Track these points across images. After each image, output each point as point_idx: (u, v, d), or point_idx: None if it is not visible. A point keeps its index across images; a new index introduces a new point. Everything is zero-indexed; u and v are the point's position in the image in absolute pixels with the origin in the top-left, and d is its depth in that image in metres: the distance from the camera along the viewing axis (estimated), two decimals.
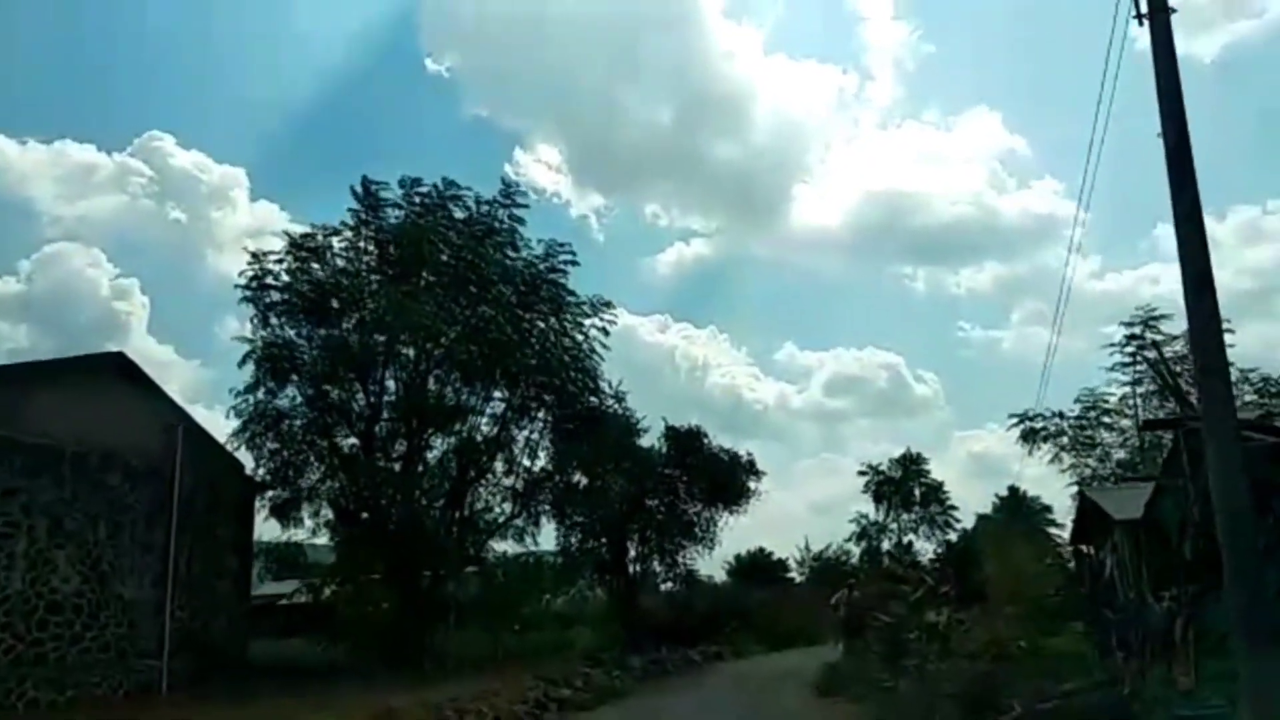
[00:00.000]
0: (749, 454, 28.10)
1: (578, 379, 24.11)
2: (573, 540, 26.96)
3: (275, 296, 20.77)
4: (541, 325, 23.33)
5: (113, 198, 60.74)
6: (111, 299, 56.33)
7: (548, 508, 24.89)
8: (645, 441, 26.96)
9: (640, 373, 60.14)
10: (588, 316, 23.31)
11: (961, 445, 73.39)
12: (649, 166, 68.67)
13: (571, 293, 22.57)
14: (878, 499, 35.83)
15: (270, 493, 20.36)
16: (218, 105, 65.52)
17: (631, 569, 28.34)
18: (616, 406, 25.19)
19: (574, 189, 72.54)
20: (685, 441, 27.34)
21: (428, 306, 20.90)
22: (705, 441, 27.37)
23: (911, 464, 35.63)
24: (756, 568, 43.85)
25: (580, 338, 23.06)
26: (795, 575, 44.18)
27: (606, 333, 23.71)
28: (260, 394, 20.14)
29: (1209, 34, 64.33)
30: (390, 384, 21.90)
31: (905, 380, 68.47)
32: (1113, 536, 16.04)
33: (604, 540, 27.52)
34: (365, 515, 21.30)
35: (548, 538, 25.65)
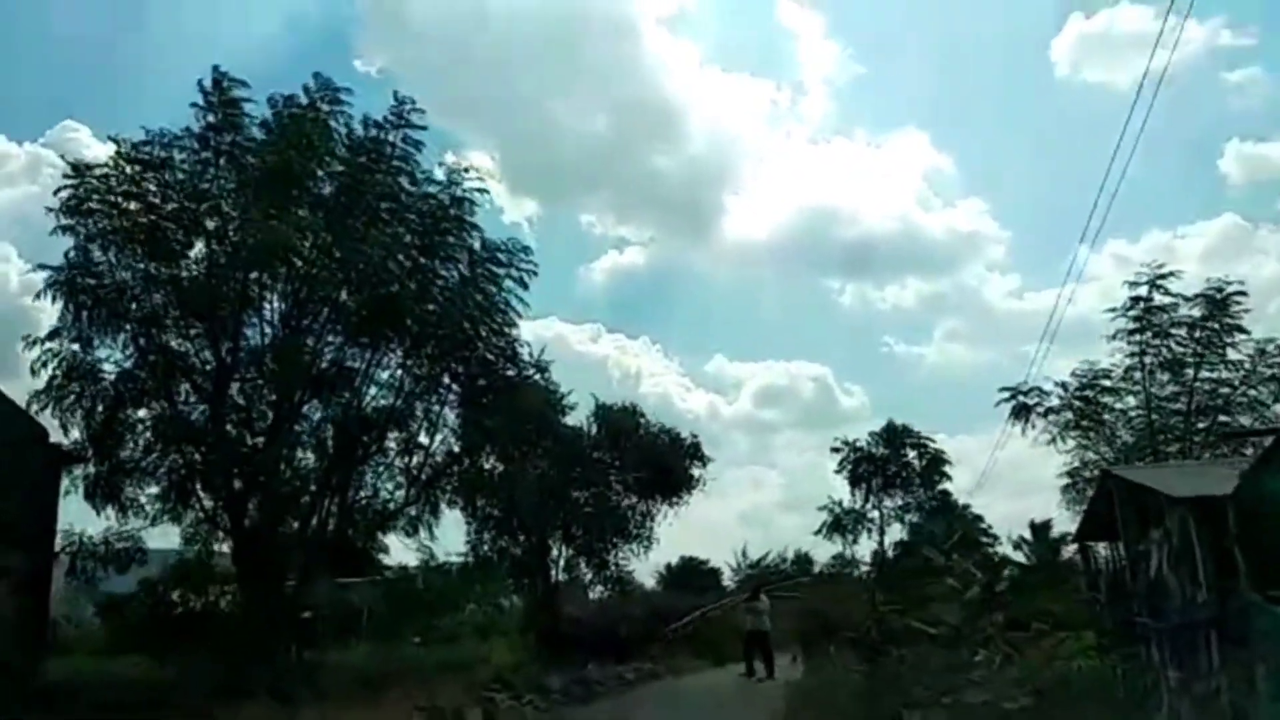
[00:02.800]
0: (693, 436, 24.49)
1: (491, 341, 20.07)
2: (484, 537, 22.92)
3: (100, 223, 16.31)
4: (445, 275, 19.23)
5: (22, 189, 55.93)
6: (19, 294, 50.94)
7: (453, 496, 20.81)
8: (572, 421, 23.00)
9: (572, 381, 57.76)
10: (501, 265, 19.29)
11: None
12: (584, 175, 71.68)
13: (478, 228, 18.54)
14: (855, 481, 29.67)
15: (82, 468, 15.85)
16: (138, 101, 60.83)
17: (554, 572, 24.39)
18: (538, 377, 21.21)
19: (508, 196, 72.39)
20: (618, 421, 23.54)
21: (304, 243, 16.84)
22: (642, 421, 23.60)
23: (899, 438, 29.46)
24: (690, 576, 42.29)
25: (493, 289, 19.00)
26: (730, 585, 42.74)
27: (525, 285, 19.73)
28: (70, 341, 15.68)
29: (1126, 61, 66.10)
30: (250, 337, 17.52)
31: (833, 393, 69.86)
32: (1164, 523, 12.60)
33: (522, 537, 23.52)
34: (212, 501, 16.95)
35: (450, 532, 21.59)
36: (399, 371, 19.85)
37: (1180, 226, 72.70)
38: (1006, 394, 20.37)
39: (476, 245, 19.50)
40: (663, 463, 24.03)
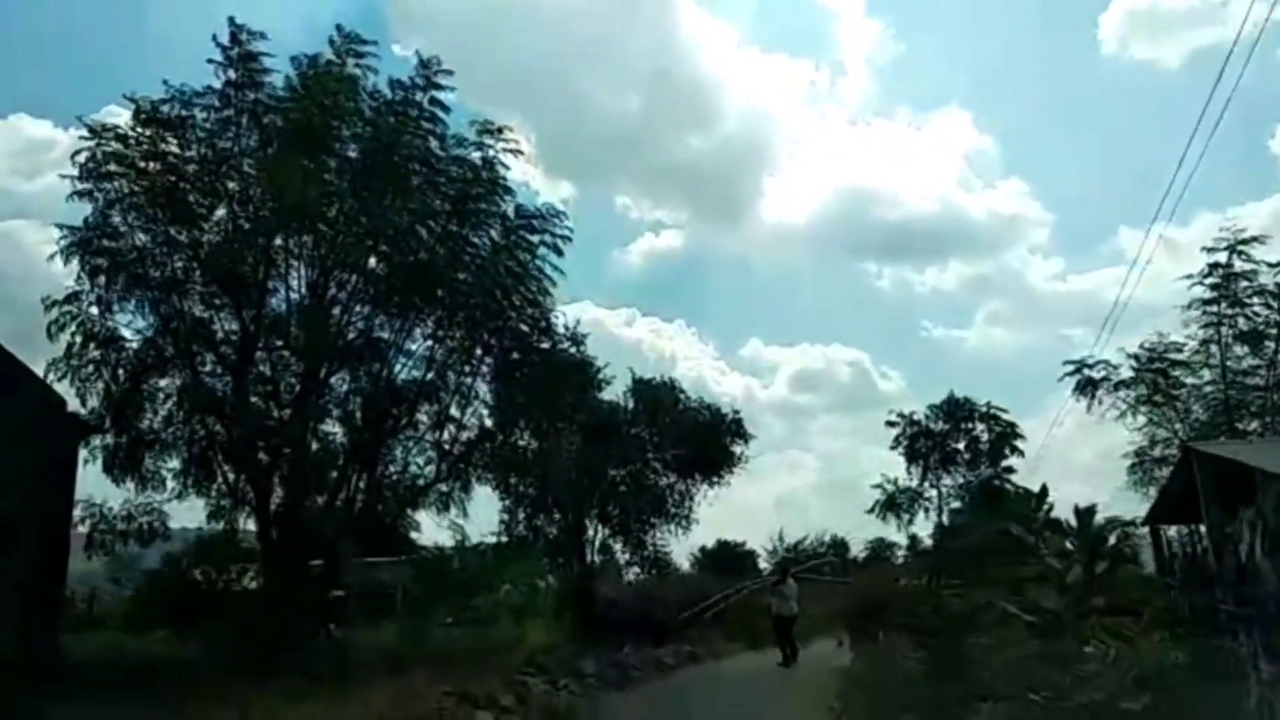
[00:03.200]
0: (735, 411, 23.52)
1: (524, 311, 19.23)
2: (518, 516, 22.18)
3: (120, 186, 15.67)
4: (477, 241, 18.42)
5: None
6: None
7: (485, 473, 20.05)
8: (608, 396, 22.14)
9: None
10: (534, 232, 18.42)
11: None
12: (620, 157, 69.68)
13: (511, 191, 17.70)
14: (911, 457, 26.88)
15: (101, 439, 15.29)
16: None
17: (589, 552, 23.61)
18: (573, 351, 20.36)
19: (544, 179, 71.28)
20: (657, 396, 22.63)
21: (330, 206, 16.17)
22: (682, 397, 22.66)
23: (960, 411, 26.44)
24: (726, 560, 41.10)
25: (526, 256, 18.15)
26: (766, 568, 40.50)
27: (559, 251, 18.83)
28: (89, 305, 15.09)
29: (1179, 35, 63.98)
30: (275, 306, 16.87)
31: (870, 376, 68.83)
32: (1257, 502, 11.44)
33: (557, 516, 22.76)
34: (235, 475, 16.33)
35: (483, 510, 20.89)
36: (430, 343, 19.14)
37: (1230, 208, 69.78)
38: (1071, 367, 19.12)
39: (509, 211, 18.69)
40: (703, 440, 23.07)
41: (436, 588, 22.13)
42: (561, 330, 20.22)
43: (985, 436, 26.48)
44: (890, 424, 26.96)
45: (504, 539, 22.99)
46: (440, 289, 17.86)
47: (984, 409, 25.15)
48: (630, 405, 23.34)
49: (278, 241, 17.09)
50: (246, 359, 16.52)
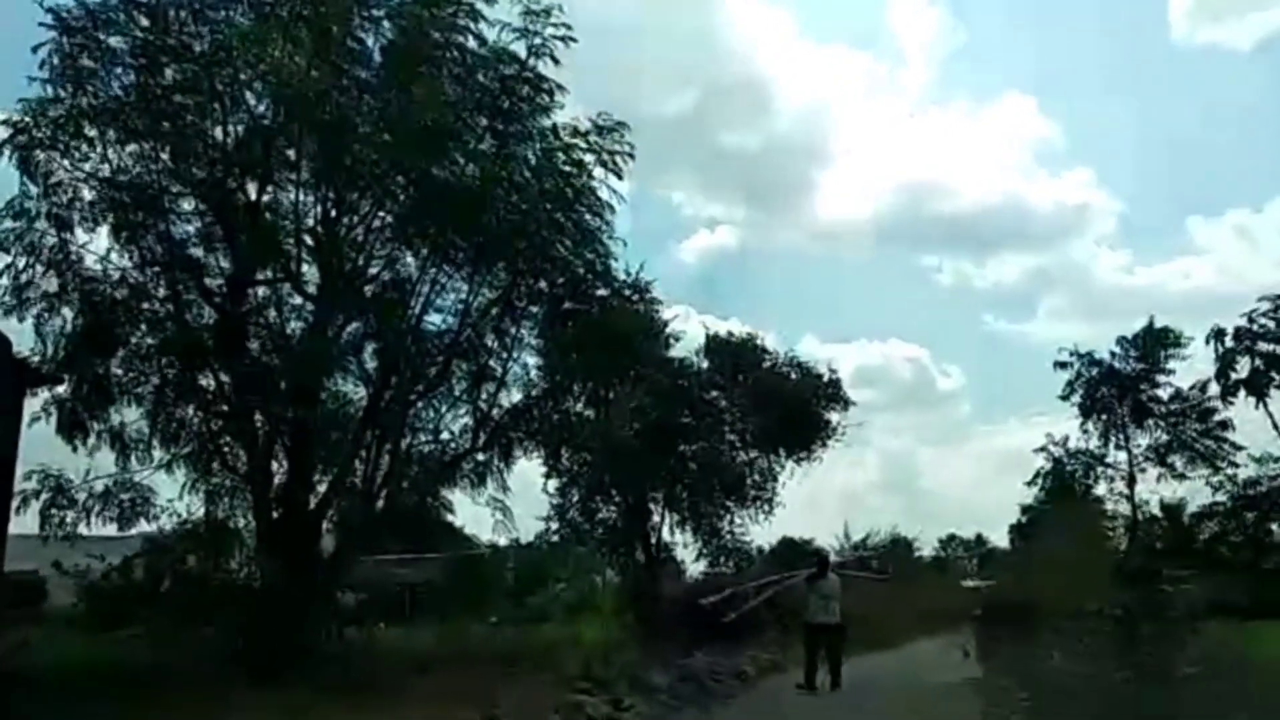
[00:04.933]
0: (832, 372, 19.93)
1: (580, 250, 16.00)
2: (570, 498, 18.96)
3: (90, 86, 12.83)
4: (522, 156, 15.19)
5: None
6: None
7: (531, 446, 16.87)
8: (677, 354, 18.81)
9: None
10: (590, 150, 15.18)
11: (985, 441, 77.70)
12: (676, 152, 68.56)
13: (563, 89, 14.50)
14: (1089, 411, 19.85)
15: (52, 389, 12.43)
16: None
17: (654, 541, 20.25)
18: (637, 300, 17.08)
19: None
20: (736, 354, 19.16)
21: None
22: (768, 354, 19.19)
23: (1161, 345, 18.71)
24: (793, 557, 37.82)
25: (580, 179, 14.89)
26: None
27: (619, 174, 15.54)
28: (39, 223, 12.23)
29: (1251, 17, 61.23)
30: (279, 236, 13.87)
31: (929, 374, 68.25)
32: None
33: (617, 498, 19.48)
34: (225, 441, 13.39)
35: (528, 490, 17.77)
36: (465, 286, 16.03)
37: None
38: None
39: (558, 123, 15.44)
40: (791, 406, 19.54)
41: (475, 584, 19.16)
42: (623, 275, 16.98)
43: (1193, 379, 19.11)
44: (1061, 365, 20.49)
45: (554, 525, 19.75)
46: (479, 215, 14.64)
47: (1212, 333, 16.38)
48: (704, 366, 19.94)
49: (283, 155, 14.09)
50: (239, 296, 13.50)
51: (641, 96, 65.83)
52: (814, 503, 62.04)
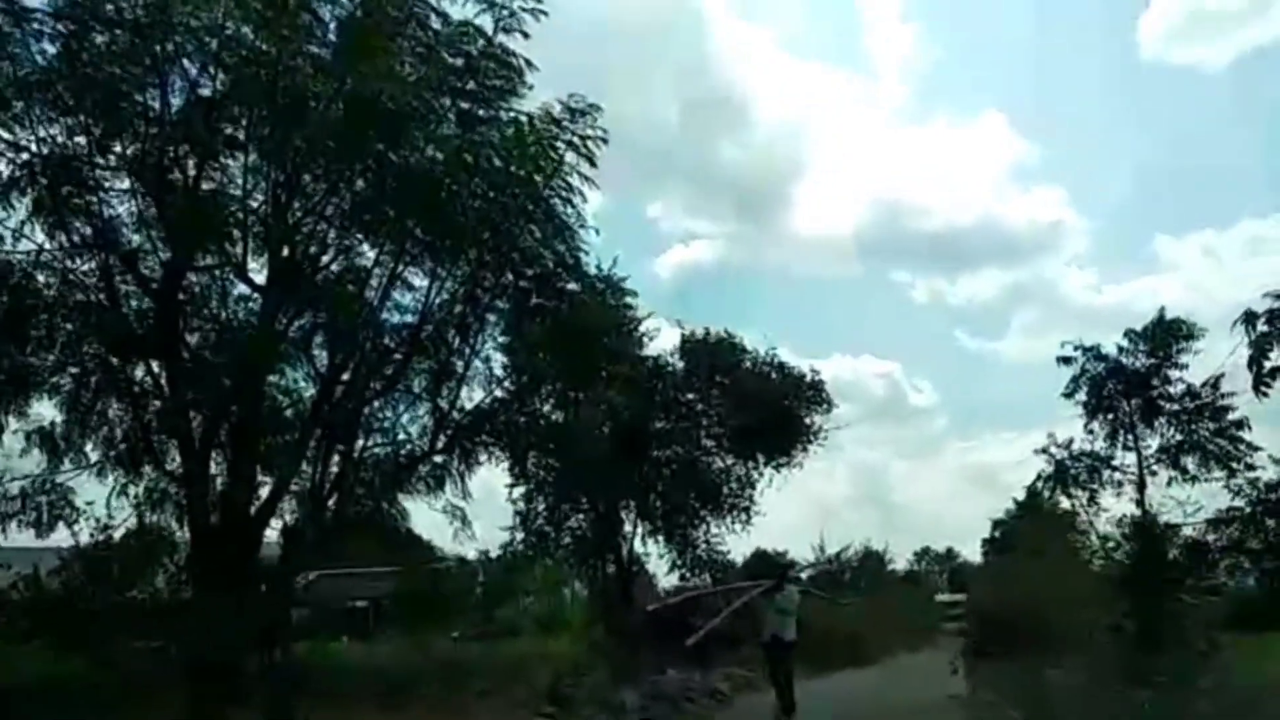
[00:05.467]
0: (814, 371, 19.07)
1: (549, 241, 15.09)
2: (536, 506, 17.94)
3: None
4: (488, 142, 14.23)
5: None
6: None
7: (496, 450, 15.89)
8: (651, 353, 17.90)
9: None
10: (554, 128, 14.29)
11: (957, 456, 79.71)
12: (652, 166, 67.93)
13: (533, 66, 13.62)
14: (1095, 410, 17.80)
15: None
16: None
17: (625, 551, 19.27)
18: (609, 294, 16.17)
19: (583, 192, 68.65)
20: (712, 354, 18.26)
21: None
22: (747, 354, 18.29)
23: (1173, 337, 16.95)
24: (767, 570, 37.08)
25: (546, 162, 13.94)
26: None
27: (593, 161, 14.63)
28: None
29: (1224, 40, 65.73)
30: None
31: (902, 389, 68.92)
32: None
33: (586, 506, 18.50)
34: (158, 440, 12.34)
35: (489, 490, 16.76)
36: (426, 279, 15.07)
37: (1273, 215, 69.33)
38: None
39: (529, 105, 14.52)
40: (770, 408, 18.60)
41: (437, 598, 18.07)
42: (594, 269, 16.05)
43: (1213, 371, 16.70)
44: (1064, 360, 18.46)
45: (518, 535, 18.71)
46: (441, 203, 13.69)
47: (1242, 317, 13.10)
48: (679, 367, 18.98)
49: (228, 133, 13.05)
50: (176, 282, 12.43)
51: (620, 109, 67.43)
52: (789, 516, 62.00)
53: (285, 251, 13.94)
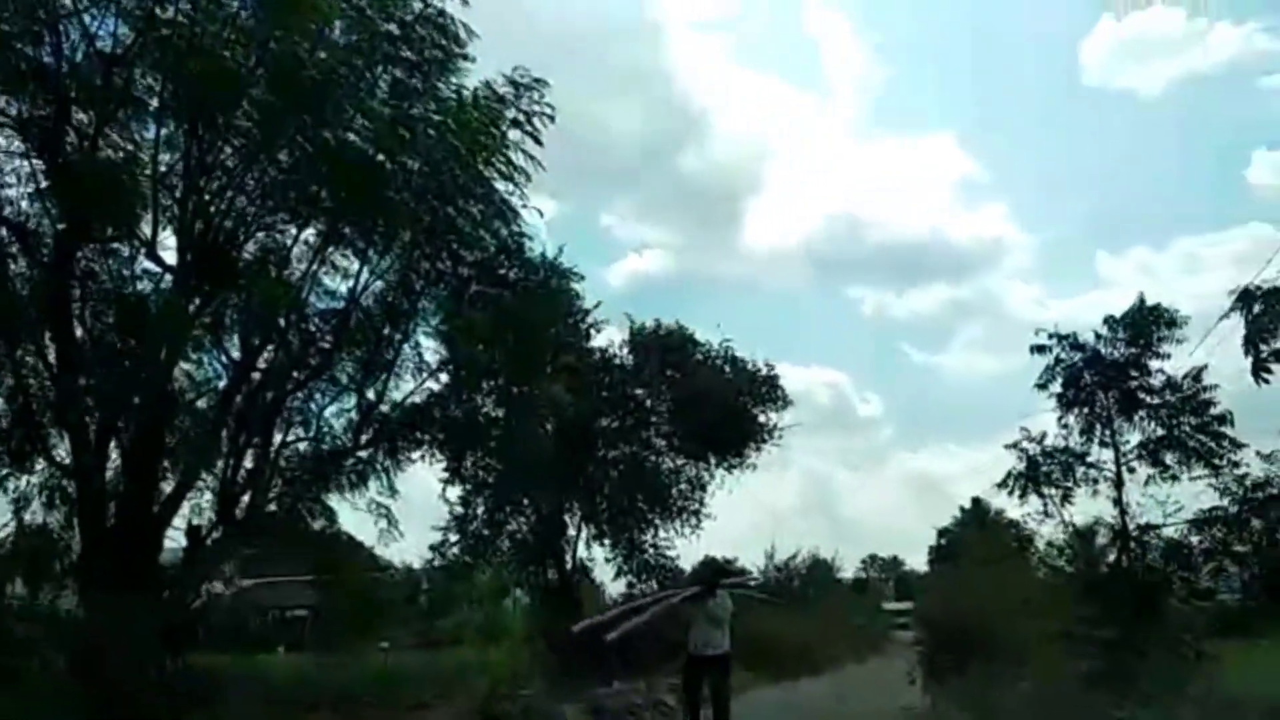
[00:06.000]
0: (769, 366, 18.26)
1: (490, 224, 14.18)
2: (476, 509, 16.92)
3: None
4: (425, 117, 13.28)
5: None
6: None
7: (431, 446, 14.88)
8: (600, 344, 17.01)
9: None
10: (497, 104, 13.39)
11: (902, 466, 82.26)
12: (607, 175, 67.15)
13: (473, 34, 12.70)
14: (1070, 403, 16.35)
15: None
16: None
17: (569, 557, 18.32)
18: (554, 282, 15.25)
19: (528, 193, 68.58)
20: (663, 346, 17.41)
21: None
22: (699, 348, 17.46)
23: (1152, 324, 15.76)
24: (721, 576, 36.23)
25: (491, 134, 13.03)
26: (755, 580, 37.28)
27: (538, 139, 13.75)
28: None
29: (1161, 65, 72.91)
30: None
31: (849, 400, 70.29)
32: None
33: (528, 508, 17.53)
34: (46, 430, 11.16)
35: (427, 490, 15.76)
36: (356, 262, 14.04)
37: (1208, 234, 72.86)
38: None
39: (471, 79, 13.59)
40: (722, 405, 17.76)
41: (367, 607, 16.95)
42: (539, 256, 15.11)
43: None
44: (1038, 349, 16.94)
45: (453, 538, 17.63)
46: (373, 181, 12.70)
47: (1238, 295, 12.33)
48: (627, 360, 18.07)
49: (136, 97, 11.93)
50: (70, 257, 11.24)
51: (576, 119, 65.40)
52: (738, 523, 61.97)
53: (199, 228, 12.96)
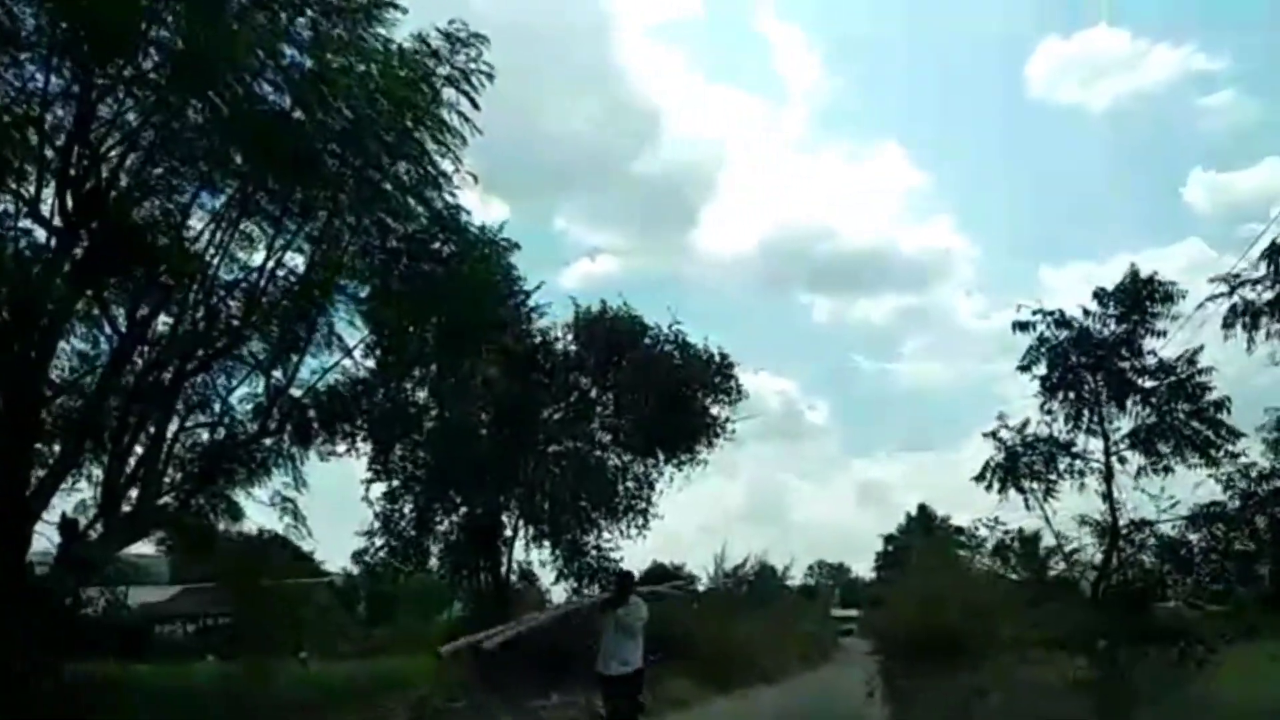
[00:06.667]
0: (722, 354, 17.22)
1: (421, 192, 13.03)
2: (403, 508, 15.64)
3: None
4: (349, 71, 12.09)
5: None
6: None
7: (355, 436, 13.65)
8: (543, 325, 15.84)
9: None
10: (430, 59, 12.32)
11: (850, 474, 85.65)
12: (559, 178, 66.96)
13: None
14: (1055, 387, 14.89)
15: None
16: None
17: (507, 559, 17.08)
18: (492, 258, 14.12)
19: (478, 196, 68.24)
20: (612, 332, 16.29)
21: None
22: (648, 330, 16.36)
23: (1150, 298, 14.24)
24: (667, 581, 35.96)
25: (423, 91, 11.94)
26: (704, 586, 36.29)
27: (475, 101, 12.68)
28: None
29: (1104, 84, 77.32)
30: None
31: (797, 407, 70.96)
32: None
33: (462, 507, 16.28)
34: None
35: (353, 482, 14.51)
36: (273, 233, 12.78)
37: (1147, 249, 76.25)
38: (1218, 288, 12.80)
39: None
40: (674, 396, 16.64)
41: (285, 614, 15.61)
42: (476, 229, 13.91)
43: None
44: (1021, 326, 15.37)
45: (378, 540, 16.30)
46: (290, 140, 11.50)
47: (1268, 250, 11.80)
48: (570, 347, 16.88)
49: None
50: None
51: (529, 122, 66.93)
52: (685, 529, 61.53)
53: (89, 187, 11.58)
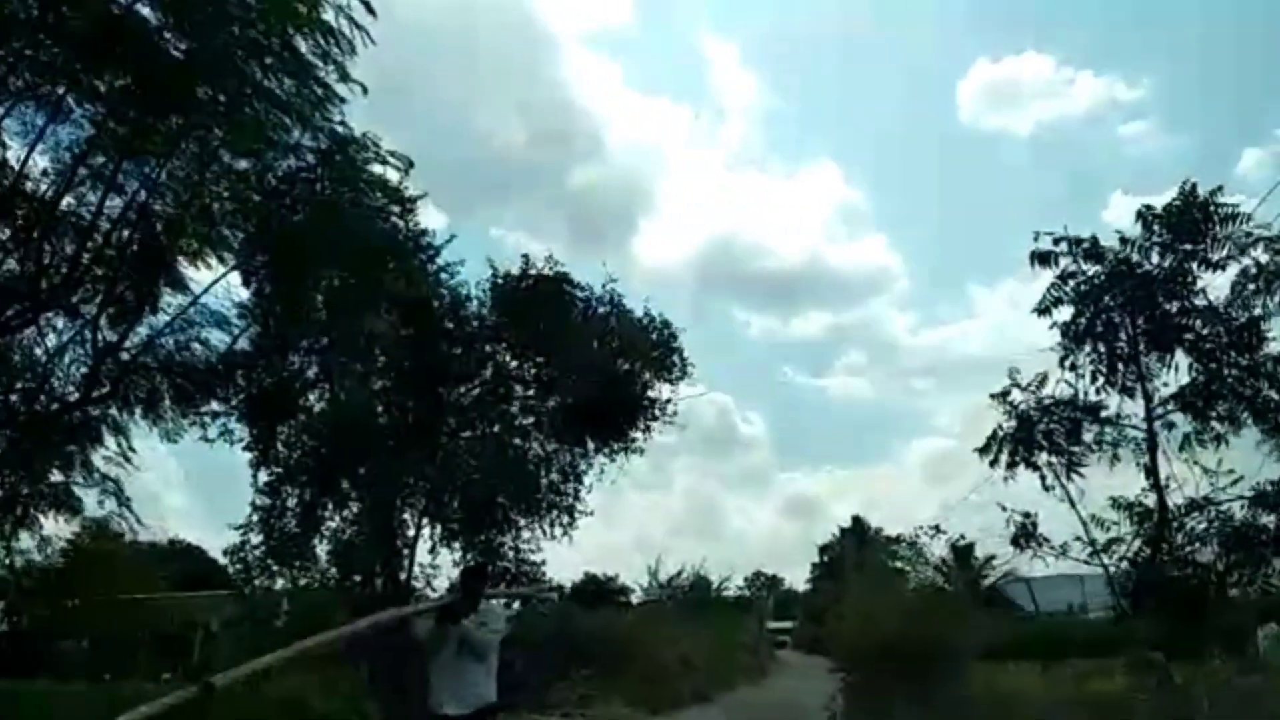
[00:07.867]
0: (665, 323, 15.26)
1: (306, 119, 10.97)
2: (285, 500, 13.38)
3: None
4: None
5: None
6: None
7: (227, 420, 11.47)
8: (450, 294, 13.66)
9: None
10: None
11: (782, 486, 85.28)
12: (496, 188, 71.50)
13: None
14: (1083, 335, 12.05)
15: None
16: None
17: (409, 563, 14.82)
18: (393, 206, 12.02)
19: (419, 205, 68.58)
20: (537, 297, 14.20)
21: None
22: (579, 293, 14.34)
23: (1209, 219, 11.31)
24: (600, 593, 36.31)
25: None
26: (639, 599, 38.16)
27: (370, 7, 10.67)
28: None
29: (1027, 110, 77.86)
30: None
31: (732, 419, 77.46)
32: None
33: (356, 503, 14.06)
34: None
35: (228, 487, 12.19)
36: (117, 161, 10.58)
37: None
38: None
39: None
40: (607, 372, 14.55)
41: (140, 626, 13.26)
42: (374, 167, 11.75)
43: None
44: (1041, 258, 12.85)
45: (254, 538, 13.93)
46: (143, 55, 9.47)
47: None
48: (486, 315, 14.71)
49: None
50: None
51: (466, 132, 69.07)
52: (611, 546, 61.24)
53: None
